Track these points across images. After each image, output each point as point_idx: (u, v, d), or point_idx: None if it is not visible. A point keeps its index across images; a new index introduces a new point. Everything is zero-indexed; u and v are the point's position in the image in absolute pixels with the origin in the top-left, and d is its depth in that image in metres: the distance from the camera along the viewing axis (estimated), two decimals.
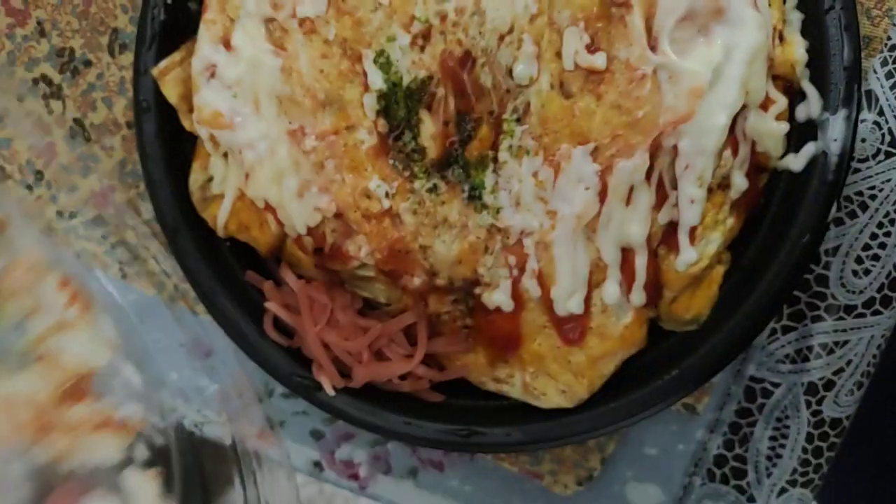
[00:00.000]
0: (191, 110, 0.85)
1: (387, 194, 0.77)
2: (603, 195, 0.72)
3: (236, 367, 1.00)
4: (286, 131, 0.81)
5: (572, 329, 0.81)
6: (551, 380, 0.79)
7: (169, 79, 0.86)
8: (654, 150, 0.75)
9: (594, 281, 0.80)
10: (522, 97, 0.77)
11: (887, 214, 0.88)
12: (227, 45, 0.81)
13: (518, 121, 0.77)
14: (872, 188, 0.88)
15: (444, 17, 0.76)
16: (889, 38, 0.85)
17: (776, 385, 0.90)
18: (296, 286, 0.86)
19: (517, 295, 0.77)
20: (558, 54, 0.75)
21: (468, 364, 0.80)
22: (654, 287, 0.81)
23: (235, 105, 0.82)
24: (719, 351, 0.80)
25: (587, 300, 0.80)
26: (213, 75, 0.82)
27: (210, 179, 0.90)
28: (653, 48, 0.73)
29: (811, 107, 0.77)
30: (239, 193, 0.86)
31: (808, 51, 0.76)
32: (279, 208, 0.84)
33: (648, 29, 0.73)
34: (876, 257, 0.89)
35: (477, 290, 0.77)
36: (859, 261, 0.90)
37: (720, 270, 0.81)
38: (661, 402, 0.83)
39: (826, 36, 0.75)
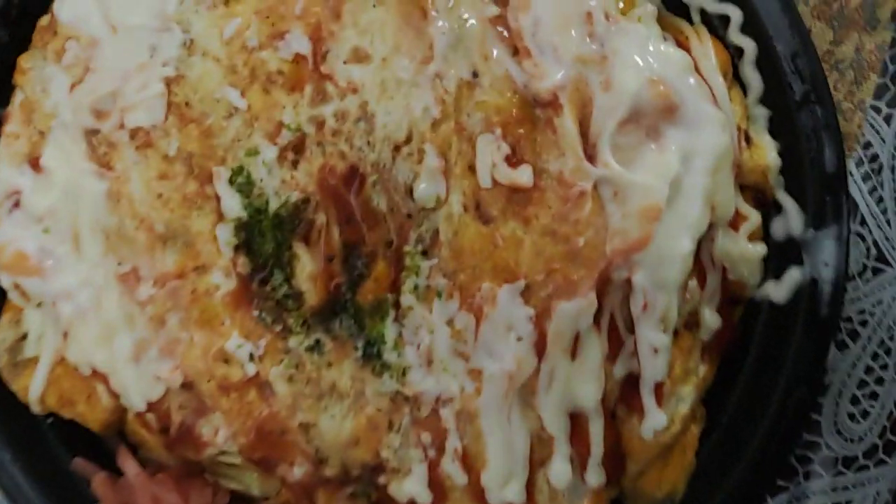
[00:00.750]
0: None
1: (251, 357, 0.58)
2: (541, 347, 0.56)
3: None
4: (115, 275, 0.62)
5: None
6: None
7: None
8: (602, 287, 0.58)
9: (537, 459, 0.61)
10: (428, 223, 0.59)
11: (882, 343, 0.73)
12: (34, 165, 0.63)
13: (424, 253, 0.59)
14: (862, 312, 0.73)
15: (321, 125, 0.59)
16: (863, 135, 0.71)
17: None
18: (135, 480, 0.63)
19: (436, 482, 0.62)
20: (471, 168, 0.58)
21: None
22: (615, 460, 0.62)
23: (47, 243, 0.62)
24: None
25: (529, 485, 0.61)
26: (16, 205, 0.63)
27: (24, 337, 0.68)
28: (591, 158, 0.57)
29: (790, 222, 0.62)
30: (58, 357, 0.64)
31: (779, 153, 0.61)
32: (111, 375, 0.63)
33: (584, 134, 0.57)
34: (874, 395, 0.73)
35: (381, 480, 0.62)
36: (855, 401, 0.74)
37: (695, 432, 0.64)
38: None
39: (800, 136, 0.60)
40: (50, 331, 0.65)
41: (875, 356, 0.74)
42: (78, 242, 0.62)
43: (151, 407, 0.63)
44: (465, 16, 0.60)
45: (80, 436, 0.70)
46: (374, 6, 0.61)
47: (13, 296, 0.66)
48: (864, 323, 0.74)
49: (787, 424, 0.61)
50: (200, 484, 0.66)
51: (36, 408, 0.68)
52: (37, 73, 0.62)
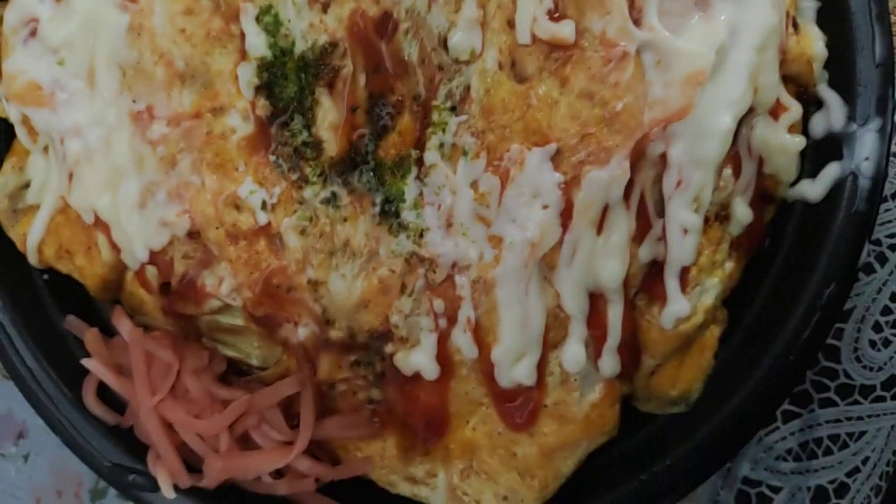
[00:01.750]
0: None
1: (264, 204, 0.56)
2: (566, 217, 0.54)
3: (57, 454, 0.74)
4: (129, 114, 0.58)
5: (520, 407, 0.59)
6: (488, 481, 0.61)
7: None
8: (636, 159, 0.55)
9: (551, 339, 0.58)
10: (460, 78, 0.57)
11: None
12: None
13: (453, 109, 0.57)
14: (891, 236, 0.70)
15: None
16: None
17: (776, 489, 0.74)
18: (129, 336, 0.61)
19: (444, 356, 0.59)
20: (510, 23, 0.55)
21: (373, 456, 0.63)
22: (631, 351, 0.60)
23: (60, 75, 0.60)
24: (715, 443, 0.61)
25: (541, 366, 0.58)
26: (32, 33, 0.60)
27: (27, 186, 0.65)
28: (636, 21, 0.54)
29: (832, 117, 0.59)
30: (61, 204, 0.62)
31: (826, 46, 0.58)
32: (113, 224, 0.60)
33: None
34: None
35: (388, 349, 0.60)
36: (877, 328, 0.72)
37: (715, 332, 0.61)
38: None
39: (850, 27, 0.58)
40: (54, 173, 0.63)
41: None
42: (93, 77, 0.60)
43: (154, 258, 0.60)
44: None
45: (75, 299, 0.67)
46: None
47: (20, 133, 0.63)
48: (893, 247, 0.72)
49: (816, 323, 0.59)
50: (197, 347, 0.63)
51: (33, 257, 0.65)
52: None
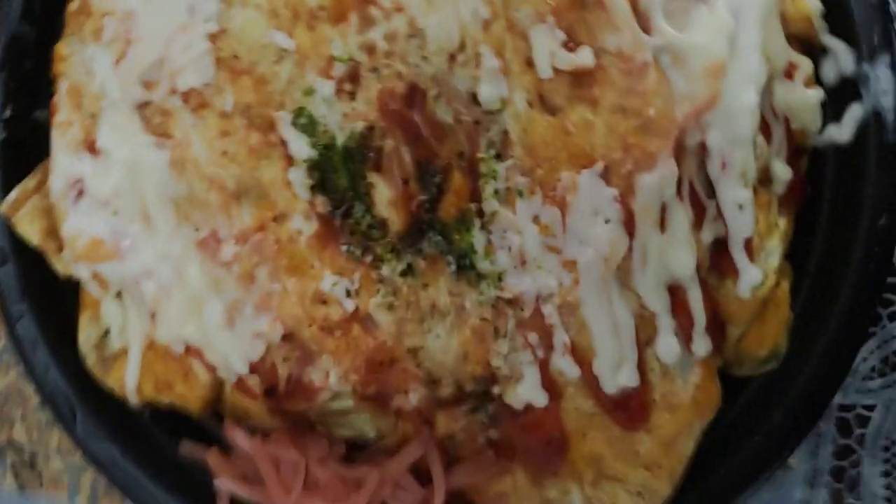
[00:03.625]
0: (61, 248, 0.64)
1: (348, 293, 0.58)
2: (630, 225, 0.56)
3: None
4: (194, 243, 0.60)
5: (631, 409, 0.61)
6: (619, 483, 0.64)
7: (24, 213, 0.65)
8: (679, 154, 0.59)
9: (643, 339, 0.61)
10: (497, 126, 0.59)
11: None
12: (91, 149, 0.62)
13: (498, 156, 0.59)
14: None
15: (372, 50, 0.59)
16: None
17: (871, 408, 0.77)
18: (250, 446, 0.63)
19: (549, 382, 0.61)
20: (529, 63, 0.58)
21: (506, 491, 0.66)
22: (716, 327, 0.63)
23: (118, 225, 0.62)
24: (818, 384, 0.64)
25: (641, 365, 0.61)
26: (80, 194, 0.62)
27: (106, 333, 0.68)
28: (646, 30, 0.57)
29: (841, 62, 0.62)
30: (148, 342, 0.64)
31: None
32: (206, 348, 0.63)
33: (634, 7, 0.57)
34: None
35: (496, 390, 0.61)
36: None
37: (785, 287, 0.64)
38: (764, 468, 0.64)
39: None
40: (135, 316, 0.65)
41: None
42: (148, 218, 0.62)
43: (254, 368, 0.63)
44: None
45: (179, 427, 0.69)
46: None
47: (91, 287, 0.65)
48: None
49: (878, 253, 0.62)
50: (314, 436, 0.66)
51: (134, 399, 0.67)
52: (77, 57, 0.61)
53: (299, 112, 0.59)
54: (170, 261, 0.62)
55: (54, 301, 0.68)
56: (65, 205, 0.63)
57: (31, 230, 0.65)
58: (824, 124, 0.64)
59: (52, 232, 0.65)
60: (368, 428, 0.66)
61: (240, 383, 0.65)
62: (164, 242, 0.61)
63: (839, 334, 0.63)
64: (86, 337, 0.68)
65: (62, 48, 0.62)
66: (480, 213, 0.60)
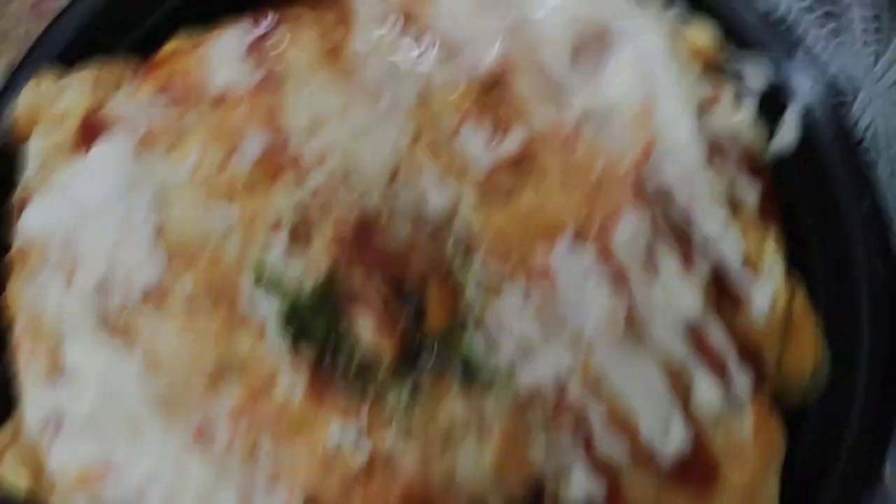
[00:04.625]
0: (53, 485, 0.59)
1: (359, 434, 0.53)
2: (621, 279, 0.53)
3: None
4: (188, 438, 0.56)
5: (696, 473, 0.55)
6: None
7: (6, 465, 0.60)
8: (640, 199, 0.58)
9: (681, 391, 0.57)
10: (456, 227, 0.58)
11: None
12: (61, 371, 0.58)
13: (468, 255, 0.57)
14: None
15: (315, 194, 0.59)
16: None
17: None
18: None
19: (601, 466, 0.54)
20: (465, 164, 0.59)
21: None
22: (748, 355, 0.59)
23: (106, 443, 0.58)
24: (885, 368, 0.59)
25: (690, 420, 0.55)
26: (59, 425, 0.58)
27: None
28: (562, 103, 0.58)
29: (756, 71, 0.64)
30: None
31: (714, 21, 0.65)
32: None
33: (546, 85, 0.59)
34: None
35: (549, 489, 0.50)
36: None
37: (802, 294, 0.61)
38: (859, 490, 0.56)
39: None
40: None
41: None
42: (135, 425, 0.58)
43: None
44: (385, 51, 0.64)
45: None
46: (306, 84, 0.64)
47: None
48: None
49: (875, 235, 0.60)
50: None
51: None
52: (27, 292, 0.60)
53: (260, 269, 0.58)
54: (168, 462, 0.57)
55: None
56: (46, 442, 0.58)
57: (17, 476, 0.60)
58: (772, 133, 0.65)
59: (40, 471, 0.60)
60: None
61: None
62: (157, 444, 0.57)
63: (880, 315, 0.60)
64: None
65: (10, 296, 0.61)
66: (469, 314, 0.57)
